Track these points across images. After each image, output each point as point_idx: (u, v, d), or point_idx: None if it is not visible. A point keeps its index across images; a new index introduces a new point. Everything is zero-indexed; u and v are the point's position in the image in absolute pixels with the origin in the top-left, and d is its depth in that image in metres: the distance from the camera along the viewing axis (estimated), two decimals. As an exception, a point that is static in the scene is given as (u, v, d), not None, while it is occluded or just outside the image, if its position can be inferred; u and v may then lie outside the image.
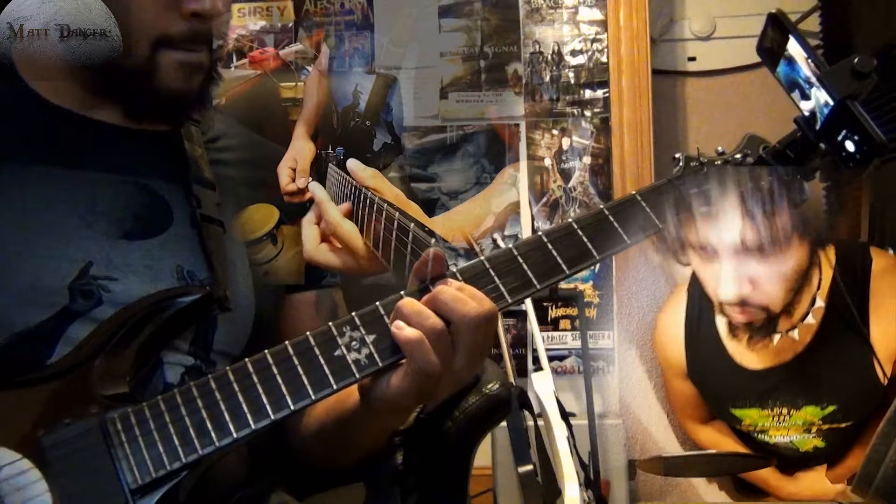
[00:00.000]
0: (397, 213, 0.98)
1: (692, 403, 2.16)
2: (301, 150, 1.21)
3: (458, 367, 0.83)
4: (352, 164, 1.14)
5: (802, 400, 1.92)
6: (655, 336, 2.21)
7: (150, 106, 1.00)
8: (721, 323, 1.98)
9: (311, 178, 1.18)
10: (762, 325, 1.83)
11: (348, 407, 0.97)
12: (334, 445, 1.08)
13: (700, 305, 2.04)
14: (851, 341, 1.86)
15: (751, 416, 1.98)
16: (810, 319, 1.87)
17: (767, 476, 2.00)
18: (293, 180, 1.20)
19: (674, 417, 2.32)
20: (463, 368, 0.83)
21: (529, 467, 1.48)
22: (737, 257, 1.74)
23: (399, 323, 0.81)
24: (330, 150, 1.23)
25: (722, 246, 1.75)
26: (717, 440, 2.11)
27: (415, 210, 1.18)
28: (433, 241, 0.88)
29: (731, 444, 2.08)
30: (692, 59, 2.48)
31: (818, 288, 1.88)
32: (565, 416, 1.72)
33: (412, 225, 0.93)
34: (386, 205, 1.02)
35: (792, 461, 2.00)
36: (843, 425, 1.91)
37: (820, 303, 1.87)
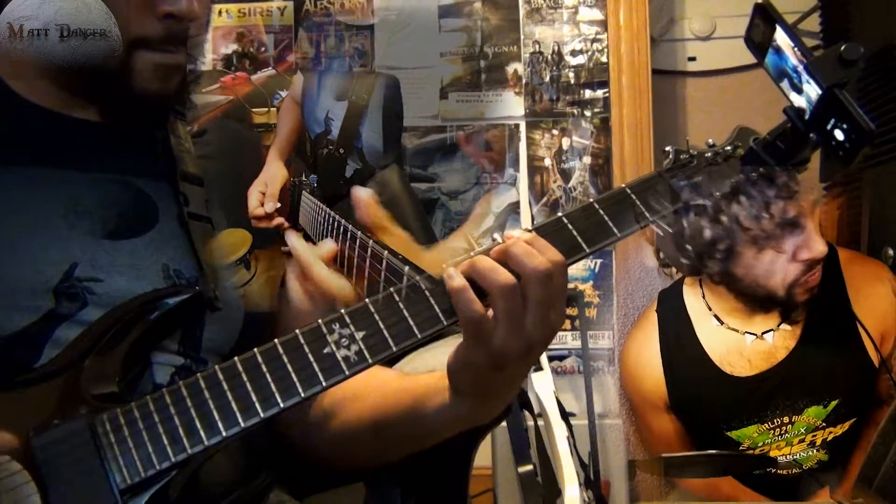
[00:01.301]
0: (371, 241, 0.97)
1: (676, 443, 2.04)
2: (272, 174, 1.20)
3: (529, 326, 0.82)
4: (363, 194, 1.08)
5: (803, 401, 1.88)
6: (626, 370, 2.13)
7: (127, 107, 1.00)
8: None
9: (279, 204, 1.17)
10: (819, 281, 1.84)
11: (433, 403, 0.95)
12: (393, 440, 1.06)
13: (675, 321, 1.99)
14: (840, 328, 1.87)
15: (749, 436, 1.91)
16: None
17: None
18: (262, 204, 1.19)
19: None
20: (534, 327, 0.82)
21: (529, 467, 1.48)
22: (813, 213, 1.78)
23: (470, 297, 0.80)
24: (304, 178, 1.21)
25: (806, 207, 1.78)
26: (713, 481, 1.99)
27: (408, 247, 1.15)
28: (406, 268, 0.87)
29: (730, 482, 1.97)
30: (692, 59, 2.48)
31: None
32: (565, 416, 1.72)
33: (385, 252, 0.92)
34: (360, 233, 1.01)
35: (793, 486, 1.93)
36: (847, 426, 1.88)
37: None
